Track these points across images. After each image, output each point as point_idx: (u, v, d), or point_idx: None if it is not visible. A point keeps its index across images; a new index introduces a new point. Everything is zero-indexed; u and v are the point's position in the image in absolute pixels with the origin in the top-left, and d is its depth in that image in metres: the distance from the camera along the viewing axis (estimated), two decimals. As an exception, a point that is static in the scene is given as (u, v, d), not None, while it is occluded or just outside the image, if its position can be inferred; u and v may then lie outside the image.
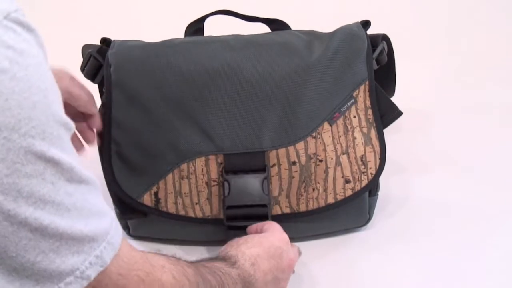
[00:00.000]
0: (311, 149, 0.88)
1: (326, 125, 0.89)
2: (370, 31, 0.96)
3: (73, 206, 0.50)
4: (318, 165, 0.89)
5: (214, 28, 1.01)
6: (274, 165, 0.88)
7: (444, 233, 0.96)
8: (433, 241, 0.94)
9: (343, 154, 0.90)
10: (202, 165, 0.87)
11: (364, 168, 0.90)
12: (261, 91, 0.88)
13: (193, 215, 0.89)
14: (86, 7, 1.49)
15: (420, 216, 1.00)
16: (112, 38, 0.95)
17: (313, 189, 0.89)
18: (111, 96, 0.89)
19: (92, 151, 0.91)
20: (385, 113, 0.93)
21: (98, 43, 0.95)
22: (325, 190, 0.89)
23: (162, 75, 0.89)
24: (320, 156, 0.89)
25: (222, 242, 0.83)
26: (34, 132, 0.46)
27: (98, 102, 0.92)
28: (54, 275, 0.50)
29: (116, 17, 0.99)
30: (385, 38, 0.97)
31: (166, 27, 1.15)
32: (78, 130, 0.89)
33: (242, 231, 0.85)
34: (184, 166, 0.87)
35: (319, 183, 0.89)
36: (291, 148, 0.88)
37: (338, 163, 0.89)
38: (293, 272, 0.83)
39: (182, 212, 0.89)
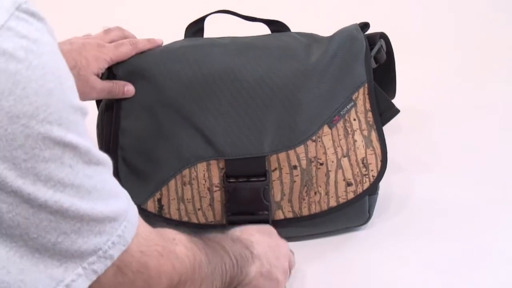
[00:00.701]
0: (312, 153, 0.89)
1: (326, 129, 0.90)
2: (370, 31, 0.96)
3: (93, 188, 0.52)
4: (319, 168, 0.89)
5: (214, 28, 1.01)
6: (275, 169, 0.88)
7: (443, 232, 0.96)
8: (433, 240, 0.94)
9: (344, 157, 0.90)
10: (203, 170, 0.88)
11: (366, 171, 0.90)
12: (261, 95, 0.89)
13: (196, 221, 0.89)
14: (85, 7, 1.49)
15: (420, 215, 1.00)
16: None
17: (315, 193, 0.89)
18: (120, 102, 0.89)
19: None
20: (383, 112, 0.94)
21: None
22: (327, 193, 0.90)
23: (163, 81, 0.89)
24: (320, 159, 0.89)
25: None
26: (51, 118, 0.48)
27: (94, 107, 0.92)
28: (76, 255, 0.51)
29: (116, 17, 0.99)
30: (383, 36, 0.97)
31: (166, 27, 1.15)
32: None
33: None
34: (186, 171, 0.88)
35: (320, 187, 0.89)
36: (291, 152, 0.88)
37: (339, 166, 0.90)
38: (289, 274, 0.84)
39: (185, 219, 0.89)
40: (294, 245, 0.87)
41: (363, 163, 0.90)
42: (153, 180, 0.88)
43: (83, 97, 0.79)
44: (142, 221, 0.60)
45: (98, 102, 0.96)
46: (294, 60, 0.90)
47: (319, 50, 0.92)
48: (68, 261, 0.51)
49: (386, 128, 0.94)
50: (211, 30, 1.01)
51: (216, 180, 0.88)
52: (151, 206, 0.89)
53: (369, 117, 0.92)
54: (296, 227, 0.91)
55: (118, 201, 0.55)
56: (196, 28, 1.01)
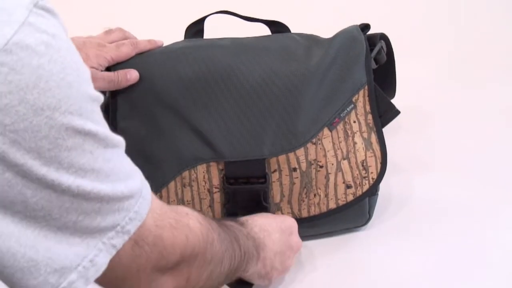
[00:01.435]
0: (312, 155, 0.89)
1: (326, 131, 0.90)
2: (371, 31, 0.96)
3: (111, 171, 0.54)
4: (319, 171, 0.89)
5: (214, 29, 1.01)
6: (275, 171, 0.88)
7: (444, 232, 0.96)
8: (433, 240, 0.95)
9: (344, 159, 0.90)
10: (203, 172, 0.88)
11: (365, 173, 0.91)
12: (261, 97, 0.88)
13: (195, 223, 0.89)
14: (87, 9, 1.49)
15: (420, 215, 1.00)
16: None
17: (315, 195, 0.89)
18: (116, 104, 0.89)
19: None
20: (383, 113, 0.94)
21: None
22: (326, 195, 0.90)
23: (162, 83, 0.89)
24: (320, 162, 0.89)
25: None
26: (72, 109, 0.50)
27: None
28: (95, 231, 0.54)
29: (117, 18, 0.99)
30: (383, 37, 0.97)
31: (166, 28, 1.15)
32: None
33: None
34: (185, 173, 0.88)
35: (320, 189, 0.89)
36: (291, 155, 0.88)
37: (339, 168, 0.90)
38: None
39: (185, 220, 0.89)
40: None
41: (363, 165, 0.90)
42: (152, 182, 0.88)
43: None
44: (154, 196, 0.62)
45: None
46: (294, 62, 0.90)
47: (320, 52, 0.92)
48: (88, 237, 0.54)
49: (386, 128, 0.94)
50: (211, 31, 1.01)
51: (216, 181, 0.88)
52: (151, 207, 0.88)
53: (369, 119, 0.92)
54: (295, 228, 0.91)
55: (134, 179, 0.58)
56: (196, 29, 1.01)
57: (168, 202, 0.88)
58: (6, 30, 0.46)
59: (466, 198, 1.04)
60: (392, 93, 1.01)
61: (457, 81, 1.41)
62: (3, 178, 0.48)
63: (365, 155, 0.91)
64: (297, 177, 0.88)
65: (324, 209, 0.90)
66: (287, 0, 1.62)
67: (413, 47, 1.45)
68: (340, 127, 0.90)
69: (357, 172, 0.90)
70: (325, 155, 0.89)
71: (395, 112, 0.95)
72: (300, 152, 0.88)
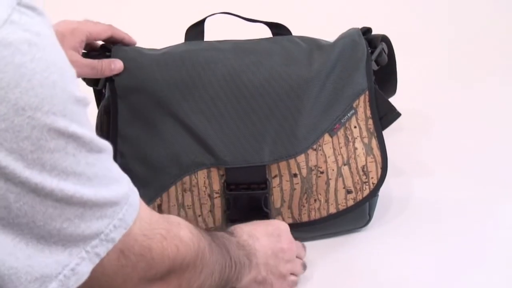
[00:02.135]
0: (312, 161, 0.89)
1: (326, 137, 0.90)
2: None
3: (95, 175, 0.53)
4: (320, 177, 0.89)
5: (215, 30, 1.01)
6: (275, 176, 0.88)
7: (444, 233, 0.97)
8: (433, 241, 0.95)
9: (344, 165, 0.90)
10: (204, 177, 0.88)
11: (366, 178, 0.91)
12: (262, 104, 0.88)
13: (196, 228, 0.89)
14: (85, 8, 1.48)
15: (420, 216, 1.01)
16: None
17: (315, 200, 0.89)
18: (117, 109, 0.89)
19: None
20: (384, 115, 0.94)
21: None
22: (326, 201, 0.90)
23: (162, 88, 0.88)
24: (321, 168, 0.89)
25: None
26: (55, 110, 0.49)
27: (94, 107, 0.92)
28: (79, 239, 0.53)
29: (116, 18, 0.99)
30: (384, 39, 0.97)
31: (167, 29, 1.14)
32: None
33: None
34: (186, 178, 0.88)
35: (320, 194, 0.89)
36: (292, 161, 0.88)
37: (339, 174, 0.90)
38: (305, 268, 0.86)
39: (185, 225, 0.89)
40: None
41: (363, 170, 0.90)
42: (153, 187, 0.88)
43: None
44: (145, 205, 0.61)
45: (98, 103, 0.96)
46: (295, 67, 0.90)
47: (321, 57, 0.91)
48: (72, 245, 0.52)
49: (386, 129, 0.94)
50: (211, 32, 1.00)
51: (216, 186, 0.88)
52: (151, 212, 0.89)
53: (369, 124, 0.92)
54: (296, 232, 0.91)
55: (120, 185, 0.57)
56: (196, 30, 1.00)
57: (169, 207, 0.88)
58: None
59: (466, 199, 1.04)
60: (393, 92, 1.01)
61: (457, 81, 1.41)
62: None
63: (366, 160, 0.91)
64: (298, 183, 0.88)
65: (324, 214, 0.90)
66: (287, 1, 1.62)
67: (414, 47, 1.44)
68: (340, 132, 0.90)
69: (358, 177, 0.90)
70: (325, 161, 0.89)
71: (396, 115, 0.94)
72: (301, 158, 0.88)
